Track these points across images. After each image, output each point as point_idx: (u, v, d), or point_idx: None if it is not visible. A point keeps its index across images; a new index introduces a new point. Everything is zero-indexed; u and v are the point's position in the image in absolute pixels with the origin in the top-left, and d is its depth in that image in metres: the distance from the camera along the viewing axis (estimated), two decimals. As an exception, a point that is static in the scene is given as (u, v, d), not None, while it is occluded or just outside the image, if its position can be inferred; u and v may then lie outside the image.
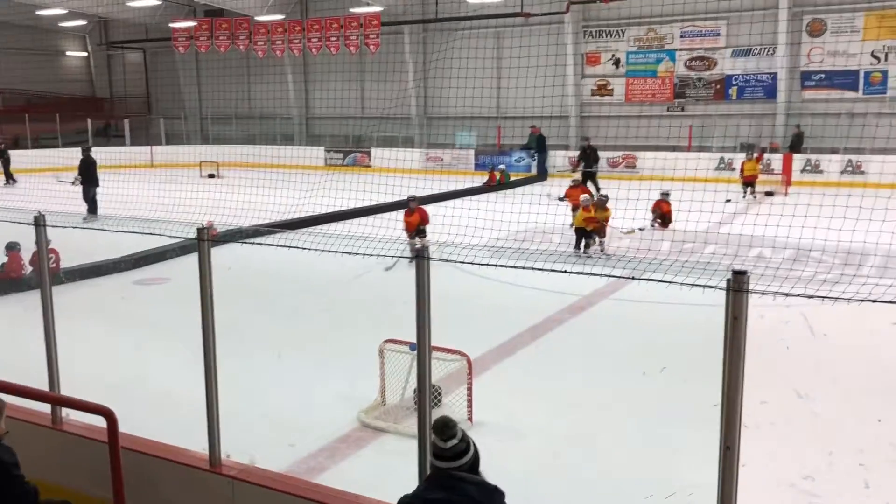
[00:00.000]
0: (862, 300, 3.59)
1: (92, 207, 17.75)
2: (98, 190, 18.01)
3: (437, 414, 6.00)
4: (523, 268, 7.63)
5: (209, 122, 37.06)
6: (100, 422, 3.70)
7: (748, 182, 20.25)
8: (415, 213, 13.59)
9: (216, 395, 4.35)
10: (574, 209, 14.48)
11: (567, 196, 15.56)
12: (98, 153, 23.08)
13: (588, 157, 22.08)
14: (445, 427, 3.69)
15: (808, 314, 8.75)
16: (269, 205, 13.73)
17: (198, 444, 4.43)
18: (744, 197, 19.66)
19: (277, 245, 5.01)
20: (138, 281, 11.68)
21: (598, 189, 18.37)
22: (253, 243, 5.68)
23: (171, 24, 32.37)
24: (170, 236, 5.39)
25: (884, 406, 6.46)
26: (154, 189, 17.72)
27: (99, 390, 4.85)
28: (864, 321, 8.44)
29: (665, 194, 16.03)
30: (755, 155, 21.03)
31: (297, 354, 8.07)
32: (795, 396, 6.56)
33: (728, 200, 17.82)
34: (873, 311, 7.91)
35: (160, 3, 31.96)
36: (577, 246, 13.33)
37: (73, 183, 17.91)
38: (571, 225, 14.37)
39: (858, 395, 6.76)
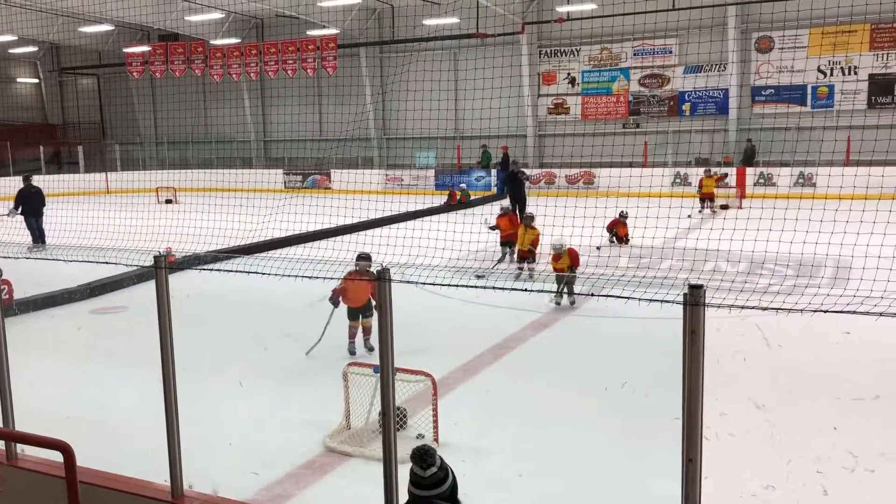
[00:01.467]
0: (815, 311, 3.68)
1: (37, 237, 17.01)
2: (44, 219, 17.26)
3: (402, 436, 6.02)
4: (484, 287, 7.71)
5: (165, 146, 36.67)
6: (57, 456, 3.61)
7: (705, 197, 20.65)
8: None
9: (177, 425, 4.29)
10: (505, 242, 13.95)
11: (498, 225, 14.55)
12: (51, 181, 22.68)
13: (514, 182, 19.44)
14: (425, 455, 3.68)
15: (762, 325, 8.93)
16: (229, 230, 13.61)
17: (159, 476, 4.35)
18: (700, 211, 19.88)
19: (237, 271, 4.97)
20: (95, 310, 11.46)
21: (520, 213, 16.91)
22: (212, 269, 5.62)
23: (125, 50, 32.05)
24: (126, 265, 5.31)
25: (839, 414, 6.61)
26: (110, 216, 17.48)
27: (55, 424, 4.75)
28: (817, 331, 8.64)
29: (623, 216, 16.15)
30: (713, 173, 21.48)
31: (260, 381, 7.97)
32: (754, 407, 6.68)
33: (689, 216, 18.32)
34: (826, 321, 8.13)
35: (113, 28, 31.64)
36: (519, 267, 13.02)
37: (8, 215, 17.07)
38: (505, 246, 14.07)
39: (814, 404, 6.90)
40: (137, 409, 6.78)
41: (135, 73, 32.22)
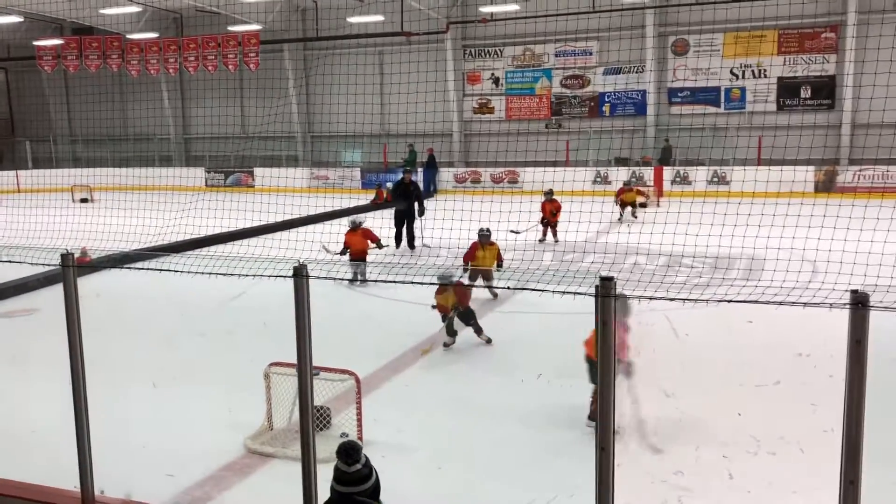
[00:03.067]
0: (719, 301, 3.84)
1: None
2: None
3: (325, 436, 5.99)
4: (403, 282, 7.73)
5: (80, 144, 35.37)
6: (-44, 465, 3.47)
7: (626, 203, 20.08)
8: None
9: (87, 429, 4.17)
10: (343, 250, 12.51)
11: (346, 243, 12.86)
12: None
13: (404, 195, 16.38)
14: (351, 451, 3.67)
15: (672, 317, 9.23)
16: (146, 228, 13.24)
17: (69, 482, 4.22)
18: (620, 219, 19.24)
19: (151, 269, 4.86)
20: (0, 314, 10.99)
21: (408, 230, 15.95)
22: (124, 268, 5.47)
23: (36, 43, 30.75)
24: (31, 264, 5.12)
25: (743, 400, 6.90)
26: (20, 215, 16.77)
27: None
28: (723, 322, 8.99)
29: (548, 193, 16.34)
30: (633, 188, 21.03)
31: (177, 382, 7.79)
32: (664, 396, 6.91)
33: (620, 220, 18.84)
34: (731, 311, 8.47)
35: (22, 20, 30.33)
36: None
37: None
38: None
39: (720, 391, 7.19)
40: (45, 414, 6.54)
41: (46, 68, 30.91)
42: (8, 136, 37.24)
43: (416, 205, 15.72)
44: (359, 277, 12.21)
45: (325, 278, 4.09)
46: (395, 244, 15.47)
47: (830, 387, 6.96)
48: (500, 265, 11.06)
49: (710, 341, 8.66)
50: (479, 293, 10.64)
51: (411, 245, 15.72)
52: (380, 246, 12.83)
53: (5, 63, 36.13)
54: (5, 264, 5.42)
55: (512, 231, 14.56)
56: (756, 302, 3.86)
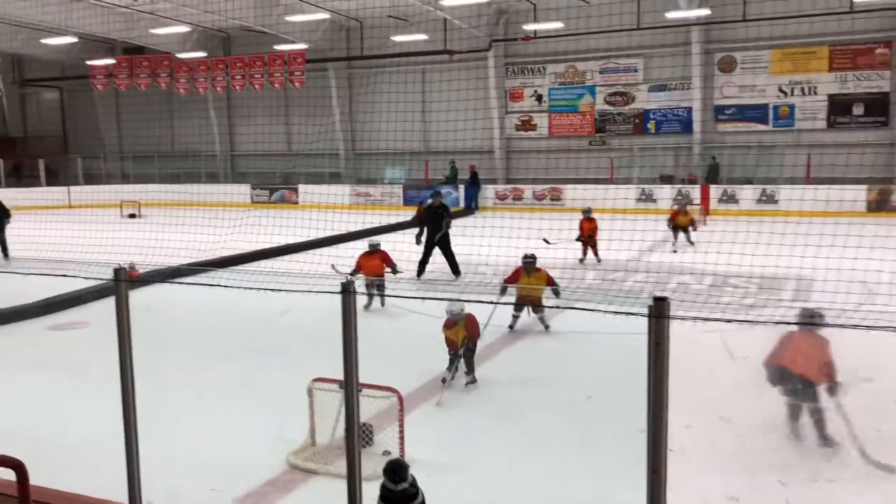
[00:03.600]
0: (777, 322, 3.72)
1: (4, 253, 16.85)
2: (7, 232, 17.07)
3: (368, 453, 5.95)
4: (449, 300, 7.65)
5: (130, 160, 36.19)
6: (10, 475, 3.50)
7: (680, 227, 17.74)
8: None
9: (136, 442, 4.20)
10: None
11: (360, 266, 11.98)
12: (11, 194, 22.26)
13: (434, 219, 14.63)
14: (398, 469, 3.63)
15: (727, 339, 9.00)
16: (193, 244, 13.43)
17: (118, 494, 4.24)
18: (674, 245, 17.37)
19: (200, 284, 4.89)
20: (53, 326, 11.21)
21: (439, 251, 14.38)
22: (174, 282, 5.53)
23: (89, 62, 31.64)
24: (84, 278, 5.20)
25: (804, 424, 6.67)
26: (71, 230, 17.13)
27: (9, 442, 4.61)
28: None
29: (587, 212, 15.94)
30: (688, 210, 18.38)
31: (223, 397, 7.85)
32: (718, 419, 6.73)
33: (674, 251, 16.80)
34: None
35: (76, 40, 31.23)
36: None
37: None
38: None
39: (778, 415, 6.96)
40: (96, 425, 6.62)
41: (99, 86, 31.80)
42: (61, 153, 38.27)
43: (445, 227, 14.28)
44: (375, 293, 11.43)
45: (372, 294, 4.06)
46: (416, 271, 13.99)
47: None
48: (556, 292, 10.15)
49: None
50: (526, 323, 10.41)
51: (456, 272, 14.13)
52: (395, 271, 11.89)
53: (60, 82, 37.21)
54: (59, 278, 5.52)
55: (544, 240, 14.42)
56: (817, 325, 3.73)
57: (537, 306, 10.10)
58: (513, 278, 10.34)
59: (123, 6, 26.49)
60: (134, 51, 31.92)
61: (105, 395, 5.16)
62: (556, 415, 7.25)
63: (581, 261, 15.47)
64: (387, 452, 6.20)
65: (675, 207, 18.80)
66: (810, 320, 7.56)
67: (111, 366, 4.25)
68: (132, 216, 26.99)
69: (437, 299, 5.24)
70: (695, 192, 25.11)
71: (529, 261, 10.28)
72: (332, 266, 11.51)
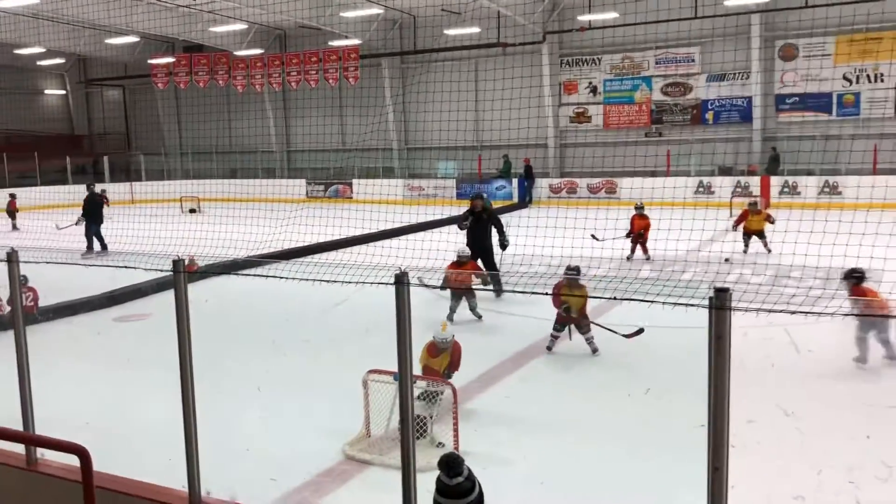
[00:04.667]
0: (845, 315, 3.58)
1: (91, 244, 17.46)
2: (102, 227, 17.78)
3: (422, 445, 5.95)
4: (503, 290, 7.57)
5: (189, 157, 37.02)
6: (75, 461, 3.59)
7: (752, 233, 15.12)
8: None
9: (195, 431, 4.26)
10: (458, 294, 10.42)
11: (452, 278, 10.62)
12: (76, 191, 22.99)
13: (481, 223, 12.37)
14: (453, 464, 3.60)
15: (791, 331, 8.75)
16: (250, 238, 13.65)
17: (178, 482, 4.32)
18: (745, 252, 14.95)
19: (256, 275, 4.95)
20: (118, 318, 11.53)
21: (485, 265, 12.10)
22: (231, 274, 5.61)
23: (150, 61, 32.44)
24: (145, 269, 5.31)
25: (871, 421, 6.45)
26: (134, 225, 17.59)
27: (75, 429, 4.74)
28: (847, 337, 8.44)
29: (639, 208, 15.31)
30: (760, 208, 15.81)
31: (279, 387, 7.95)
32: (782, 414, 6.54)
33: (727, 260, 13.85)
34: (855, 327, 7.97)
35: (138, 40, 32.04)
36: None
37: (76, 223, 17.82)
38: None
39: (845, 411, 6.74)
40: (156, 414, 6.77)
41: (159, 84, 32.61)
42: (124, 150, 39.38)
43: (499, 236, 12.00)
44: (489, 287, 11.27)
45: (426, 286, 4.04)
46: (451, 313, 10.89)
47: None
48: (582, 322, 8.71)
49: (834, 358, 8.13)
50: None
51: (498, 292, 11.64)
52: (485, 283, 11.20)
53: (123, 81, 38.26)
54: (122, 270, 5.65)
55: (593, 236, 14.08)
56: (886, 316, 3.57)
57: (582, 324, 8.68)
58: (556, 300, 8.66)
59: (183, 5, 27.06)
60: (193, 49, 32.63)
61: (165, 386, 5.28)
62: (613, 408, 7.14)
63: (629, 258, 14.73)
64: (440, 445, 6.19)
65: (745, 207, 15.51)
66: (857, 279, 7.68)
67: (171, 357, 4.34)
68: (192, 211, 27.58)
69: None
70: (754, 183, 24.50)
71: (573, 275, 8.82)
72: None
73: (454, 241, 12.59)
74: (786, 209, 21.32)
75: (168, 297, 4.45)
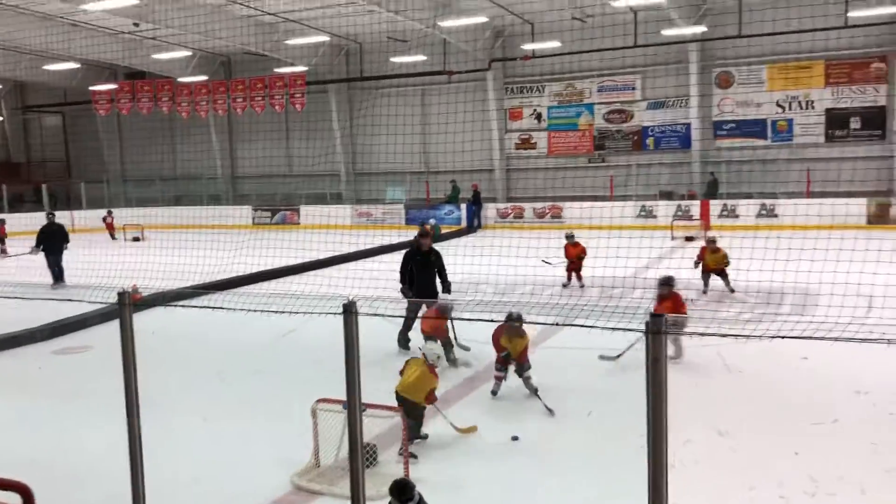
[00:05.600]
0: (772, 337, 3.77)
1: (57, 276, 16.64)
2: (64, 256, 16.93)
3: (372, 473, 5.97)
4: (453, 319, 7.66)
5: (132, 184, 36.41)
6: (15, 499, 3.54)
7: (712, 272, 13.64)
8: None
9: (141, 464, 4.23)
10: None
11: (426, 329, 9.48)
12: (14, 219, 22.43)
13: (429, 266, 10.55)
14: (404, 489, 3.65)
15: (724, 353, 9.04)
16: (196, 266, 13.51)
17: (122, 517, 4.28)
18: (704, 292, 13.51)
19: (202, 307, 4.95)
20: (58, 350, 11.25)
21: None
22: (177, 306, 5.58)
23: (92, 87, 31.91)
24: (89, 302, 5.26)
25: (800, 439, 6.70)
26: (75, 255, 17.26)
27: (15, 466, 4.64)
28: (777, 358, 8.77)
29: (570, 237, 15.23)
30: (718, 246, 13.66)
31: (227, 418, 7.87)
32: (717, 434, 6.75)
33: (691, 300, 12.38)
34: (785, 347, 8.29)
35: (79, 66, 31.52)
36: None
37: (30, 252, 17.00)
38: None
39: (775, 429, 7.00)
40: (101, 448, 6.65)
41: (101, 111, 32.06)
42: (64, 178, 38.48)
43: (442, 280, 10.49)
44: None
45: (375, 315, 4.12)
46: (401, 336, 10.25)
47: (891, 425, 6.77)
48: (521, 365, 8.24)
49: (765, 378, 8.45)
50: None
51: (449, 347, 9.55)
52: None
53: (62, 108, 37.50)
54: (60, 301, 5.57)
55: (544, 260, 14.38)
56: (810, 338, 3.78)
57: (522, 364, 8.25)
58: (495, 344, 8.32)
59: (125, 32, 26.77)
60: (136, 75, 32.23)
61: (110, 419, 5.21)
62: (558, 431, 7.27)
63: (564, 286, 14.80)
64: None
65: (703, 244, 14.22)
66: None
67: (116, 389, 4.30)
68: (136, 239, 27.09)
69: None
70: (694, 207, 25.19)
71: (515, 324, 8.22)
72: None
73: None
74: (725, 231, 21.99)
75: (112, 327, 4.43)
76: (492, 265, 13.52)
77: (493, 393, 8.41)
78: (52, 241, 16.87)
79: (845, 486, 5.76)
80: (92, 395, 8.49)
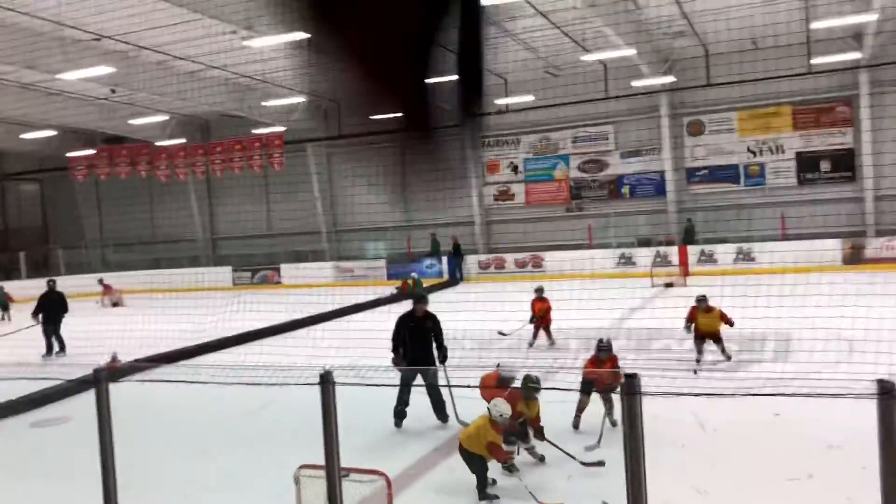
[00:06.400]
0: (744, 395, 3.80)
1: (52, 346, 16.24)
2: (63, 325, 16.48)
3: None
4: (427, 385, 7.55)
5: (111, 249, 36.25)
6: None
7: (705, 336, 11.79)
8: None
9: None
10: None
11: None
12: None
13: (424, 333, 9.55)
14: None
15: (697, 410, 8.90)
16: (176, 332, 13.41)
17: None
18: (698, 361, 11.56)
19: (180, 381, 4.92)
20: (35, 423, 11.03)
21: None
22: (154, 381, 5.53)
23: (69, 154, 31.97)
24: (67, 381, 5.21)
25: (777, 496, 6.67)
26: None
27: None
28: (750, 412, 8.60)
29: (539, 290, 14.18)
30: (708, 305, 11.83)
31: (208, 491, 7.73)
32: (696, 493, 6.72)
33: (695, 371, 11.14)
34: (759, 401, 8.28)
35: (56, 133, 31.63)
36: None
37: (35, 322, 16.47)
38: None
39: (752, 485, 6.96)
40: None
41: (79, 177, 32.08)
42: (42, 244, 38.23)
43: (439, 347, 9.42)
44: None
45: (352, 384, 4.12)
46: (396, 414, 9.36)
47: (864, 479, 6.76)
48: (540, 429, 7.93)
49: (739, 435, 8.36)
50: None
51: (443, 417, 9.34)
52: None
53: (39, 174, 37.47)
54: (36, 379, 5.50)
55: (499, 332, 14.04)
56: (780, 395, 3.81)
57: (539, 428, 7.95)
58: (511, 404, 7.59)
59: (101, 98, 26.96)
60: (113, 140, 32.35)
61: (87, 494, 5.11)
62: (539, 494, 7.19)
63: (530, 345, 13.64)
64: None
65: (693, 303, 11.98)
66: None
67: (94, 466, 4.24)
68: (115, 305, 26.84)
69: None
70: (673, 253, 25.45)
71: (532, 385, 7.86)
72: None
73: (385, 322, 12.57)
74: (705, 277, 22.20)
75: (90, 397, 4.37)
76: (475, 320, 13.47)
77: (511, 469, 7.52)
78: (51, 310, 16.44)
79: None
80: (69, 470, 8.31)
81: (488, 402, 7.59)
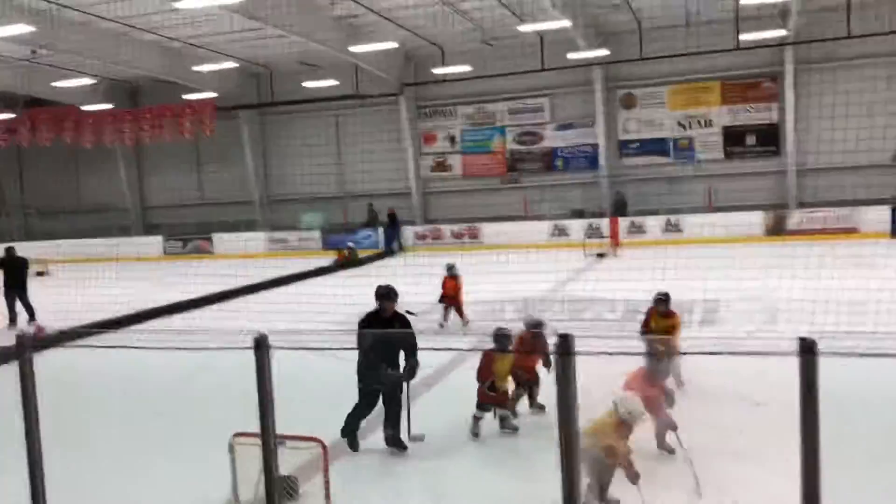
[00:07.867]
0: (674, 354, 3.93)
1: (31, 314, 14.79)
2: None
3: (293, 506, 5.89)
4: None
5: (35, 217, 34.92)
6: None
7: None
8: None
9: (47, 514, 4.08)
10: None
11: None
12: None
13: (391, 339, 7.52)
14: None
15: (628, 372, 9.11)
16: (105, 301, 13.06)
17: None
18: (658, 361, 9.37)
19: (110, 346, 4.82)
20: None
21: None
22: (83, 346, 5.41)
23: (-13, 118, 30.54)
24: (-11, 348, 5.04)
25: (712, 449, 6.95)
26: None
27: None
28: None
29: (450, 267, 13.26)
30: (669, 310, 9.15)
31: (141, 459, 7.62)
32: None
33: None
34: (687, 361, 8.54)
35: (-27, 96, 30.14)
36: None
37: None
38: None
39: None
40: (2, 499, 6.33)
41: (0, 143, 30.68)
42: (-41, 212, 36.58)
43: (408, 359, 7.50)
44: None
45: (288, 348, 4.11)
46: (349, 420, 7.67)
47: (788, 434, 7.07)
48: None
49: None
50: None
51: (399, 444, 7.57)
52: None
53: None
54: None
55: (407, 311, 13.94)
56: (707, 353, 3.97)
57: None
58: (486, 365, 7.72)
59: (23, 59, 25.76)
60: (36, 104, 30.97)
61: (10, 470, 4.98)
62: (470, 456, 7.31)
63: (441, 326, 12.86)
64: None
65: (650, 305, 9.32)
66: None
67: (18, 436, 4.13)
68: (40, 274, 25.92)
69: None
70: (604, 225, 25.94)
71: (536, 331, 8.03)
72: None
73: (321, 294, 12.47)
74: (634, 247, 22.74)
75: (13, 368, 4.25)
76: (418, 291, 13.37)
77: (475, 434, 7.68)
78: (14, 276, 15.13)
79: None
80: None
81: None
